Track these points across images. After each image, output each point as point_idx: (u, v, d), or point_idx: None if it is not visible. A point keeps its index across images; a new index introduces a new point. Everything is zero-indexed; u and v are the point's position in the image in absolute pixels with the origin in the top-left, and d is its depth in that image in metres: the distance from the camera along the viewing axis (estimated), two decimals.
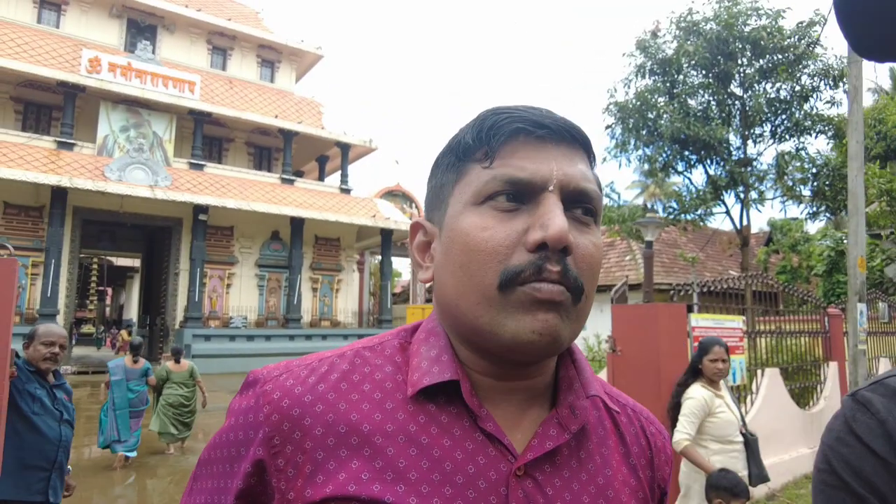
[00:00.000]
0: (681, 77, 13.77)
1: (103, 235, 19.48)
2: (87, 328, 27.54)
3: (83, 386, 12.77)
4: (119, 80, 16.62)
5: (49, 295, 14.56)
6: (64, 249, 15.42)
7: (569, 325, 0.56)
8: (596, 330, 18.14)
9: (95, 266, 28.79)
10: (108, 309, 35.72)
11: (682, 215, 14.67)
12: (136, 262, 28.44)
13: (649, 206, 19.08)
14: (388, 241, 20.15)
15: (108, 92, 16.47)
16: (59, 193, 14.86)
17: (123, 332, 21.20)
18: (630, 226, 13.81)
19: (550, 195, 0.56)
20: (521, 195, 0.56)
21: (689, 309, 5.14)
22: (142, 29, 18.93)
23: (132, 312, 30.99)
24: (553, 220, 0.54)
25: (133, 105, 16.97)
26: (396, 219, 20.42)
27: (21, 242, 14.49)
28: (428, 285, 0.52)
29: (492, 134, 0.57)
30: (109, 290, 35.60)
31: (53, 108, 17.34)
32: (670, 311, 4.81)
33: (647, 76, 14.06)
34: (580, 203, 0.58)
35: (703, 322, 5.21)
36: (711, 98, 13.95)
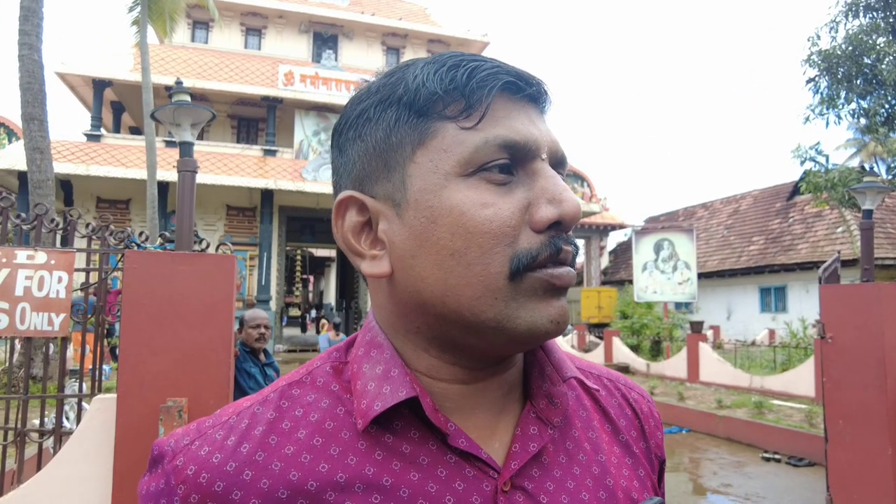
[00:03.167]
0: None
1: (304, 230, 21.84)
2: (293, 312, 31.31)
3: (294, 363, 14.57)
4: (309, 89, 18.48)
5: (263, 283, 16.86)
6: (273, 243, 17.68)
7: None
8: (801, 313, 16.06)
9: (299, 257, 32.53)
10: (310, 294, 40.24)
11: None
12: (333, 253, 31.68)
13: (868, 167, 16.30)
14: None
15: (301, 101, 18.41)
16: (267, 195, 17.08)
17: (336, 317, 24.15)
18: (842, 192, 11.92)
19: (545, 164, 0.48)
20: (514, 164, 0.47)
21: None
22: (325, 40, 20.80)
23: (331, 297, 34.59)
24: (566, 194, 0.46)
25: (322, 110, 18.75)
26: None
27: (240, 239, 16.93)
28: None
29: (475, 86, 0.46)
30: (311, 278, 40.09)
31: (259, 121, 19.86)
32: None
33: (860, 14, 11.93)
34: (560, 173, 0.50)
35: None
36: None
